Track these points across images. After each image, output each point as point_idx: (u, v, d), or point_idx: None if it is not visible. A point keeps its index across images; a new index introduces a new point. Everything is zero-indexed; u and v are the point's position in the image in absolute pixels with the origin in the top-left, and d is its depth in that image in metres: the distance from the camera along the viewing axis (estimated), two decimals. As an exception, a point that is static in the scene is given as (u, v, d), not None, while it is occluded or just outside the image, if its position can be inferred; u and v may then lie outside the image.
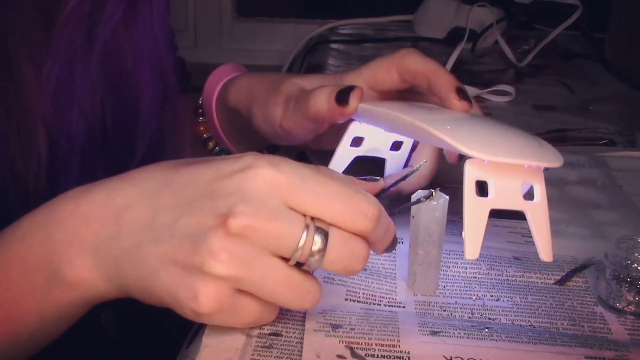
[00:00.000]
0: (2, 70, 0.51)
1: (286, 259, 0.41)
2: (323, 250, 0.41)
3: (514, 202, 0.47)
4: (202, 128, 0.70)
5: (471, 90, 0.98)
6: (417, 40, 1.33)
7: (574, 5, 1.16)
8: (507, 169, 0.47)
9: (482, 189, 0.47)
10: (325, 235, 0.41)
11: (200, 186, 0.42)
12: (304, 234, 0.40)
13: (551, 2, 1.18)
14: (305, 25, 1.53)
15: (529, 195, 0.48)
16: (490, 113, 0.94)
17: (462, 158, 0.47)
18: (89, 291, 0.43)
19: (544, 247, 0.47)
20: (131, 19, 0.58)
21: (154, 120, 0.62)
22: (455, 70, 1.08)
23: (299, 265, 0.42)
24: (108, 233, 0.43)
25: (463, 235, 0.46)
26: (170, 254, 0.41)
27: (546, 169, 0.49)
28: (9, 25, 0.51)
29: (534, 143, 0.49)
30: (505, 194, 0.47)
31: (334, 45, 1.30)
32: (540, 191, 0.48)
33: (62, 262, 0.43)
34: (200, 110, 0.70)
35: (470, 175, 0.47)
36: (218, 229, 0.40)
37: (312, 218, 0.41)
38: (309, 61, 1.24)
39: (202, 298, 0.40)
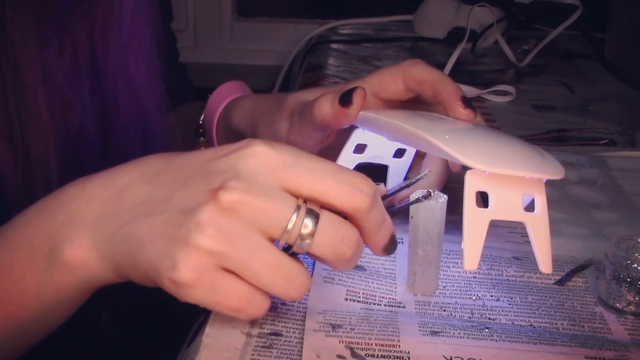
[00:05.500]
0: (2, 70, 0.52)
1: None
2: (313, 233, 0.41)
3: (515, 214, 0.47)
4: (202, 148, 0.70)
5: (471, 90, 0.98)
6: (417, 40, 1.32)
7: (574, 5, 1.16)
8: (508, 181, 0.47)
9: (482, 199, 0.47)
10: (316, 218, 0.41)
11: (197, 165, 0.43)
12: (294, 215, 0.40)
13: (551, 2, 1.18)
14: (305, 25, 1.53)
15: (529, 207, 0.48)
16: (490, 113, 0.94)
17: (464, 167, 0.47)
18: (86, 272, 0.44)
19: (543, 258, 0.48)
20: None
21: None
22: (455, 70, 1.07)
23: (288, 250, 0.42)
24: (107, 211, 0.43)
25: (462, 246, 0.46)
26: (161, 227, 0.41)
27: (547, 181, 0.49)
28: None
29: (535, 154, 0.49)
30: (506, 205, 0.47)
31: (334, 45, 1.29)
32: (541, 203, 0.48)
33: (63, 241, 0.43)
34: (201, 130, 0.71)
35: (471, 186, 0.47)
36: (209, 202, 0.40)
37: (305, 202, 0.41)
38: (309, 61, 1.24)
39: (180, 267, 0.39)
